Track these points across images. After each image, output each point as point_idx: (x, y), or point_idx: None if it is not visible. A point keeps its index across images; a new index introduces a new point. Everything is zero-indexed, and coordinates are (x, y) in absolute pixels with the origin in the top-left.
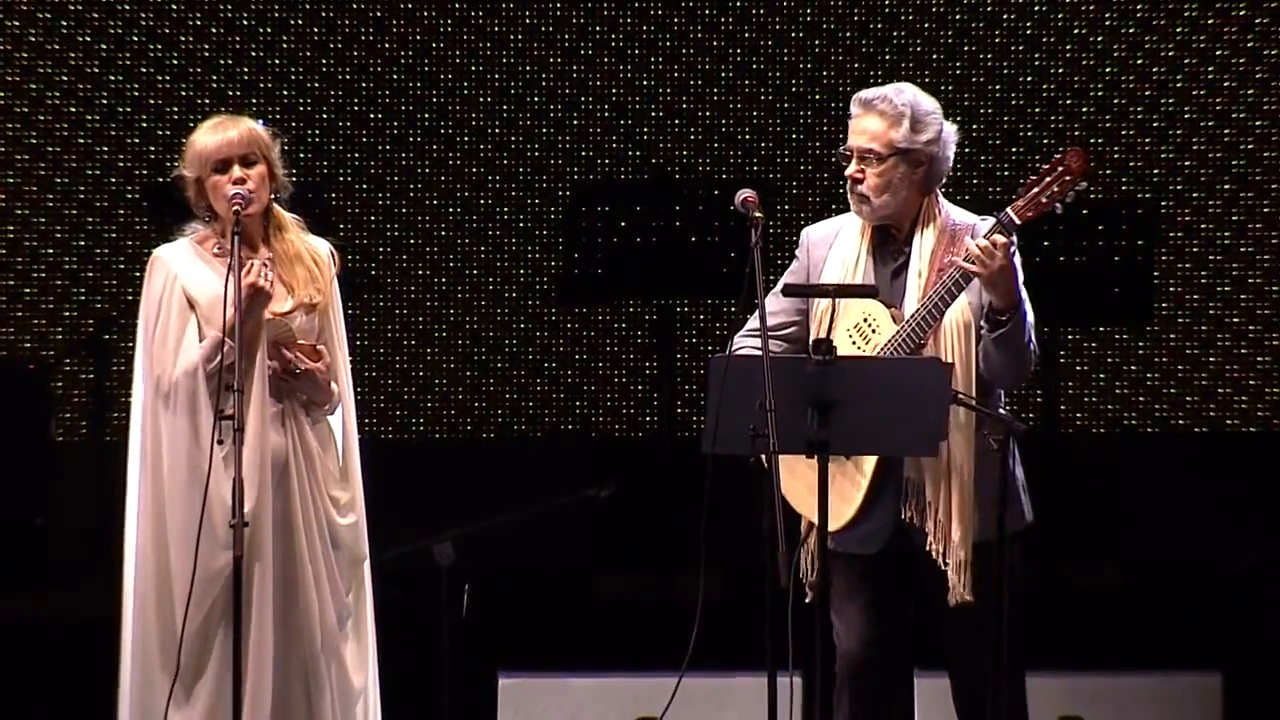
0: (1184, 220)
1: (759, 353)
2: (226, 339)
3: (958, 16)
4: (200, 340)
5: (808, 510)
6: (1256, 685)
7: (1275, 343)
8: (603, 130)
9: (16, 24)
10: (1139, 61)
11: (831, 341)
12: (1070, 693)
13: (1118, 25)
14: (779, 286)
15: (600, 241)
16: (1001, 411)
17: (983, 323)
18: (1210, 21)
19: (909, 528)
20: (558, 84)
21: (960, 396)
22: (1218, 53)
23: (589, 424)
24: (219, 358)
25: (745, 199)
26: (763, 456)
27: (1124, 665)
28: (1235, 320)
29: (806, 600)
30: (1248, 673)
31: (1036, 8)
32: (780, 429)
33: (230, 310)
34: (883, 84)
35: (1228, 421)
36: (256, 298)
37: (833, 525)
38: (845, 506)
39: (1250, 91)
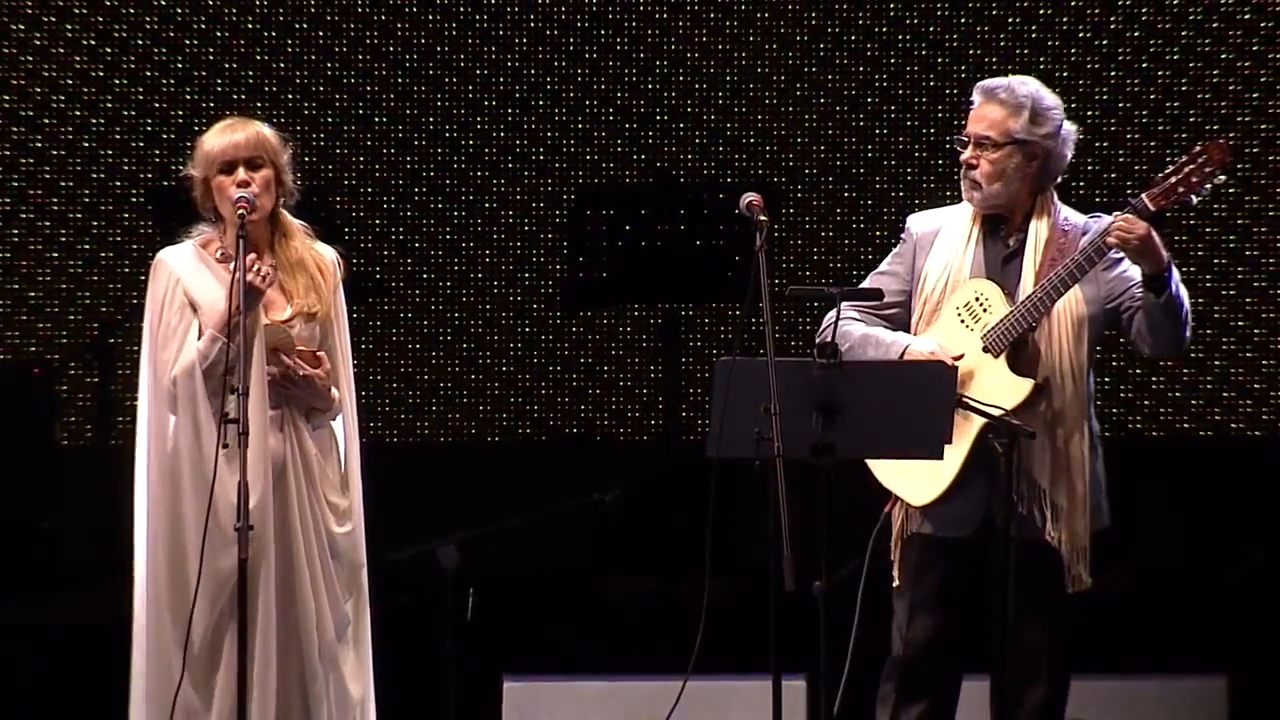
0: (1188, 224)
1: (862, 325)
2: (220, 336)
3: (962, 21)
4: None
5: (901, 488)
6: (1262, 689)
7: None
8: (607, 134)
9: (21, 28)
10: (1143, 65)
11: (836, 345)
12: (1075, 696)
13: (1122, 29)
14: (880, 267)
15: (605, 245)
16: (1009, 418)
17: (1137, 297)
18: (1215, 26)
19: (1019, 513)
20: (562, 88)
21: (965, 400)
22: (1222, 56)
23: (594, 428)
24: (213, 354)
25: (750, 202)
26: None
27: (1129, 669)
28: (1240, 324)
29: (895, 586)
30: (1253, 676)
31: (1041, 12)
32: (785, 433)
33: (233, 311)
34: (888, 88)
35: (1232, 425)
36: (250, 294)
37: (922, 500)
38: (936, 481)
39: (1255, 95)
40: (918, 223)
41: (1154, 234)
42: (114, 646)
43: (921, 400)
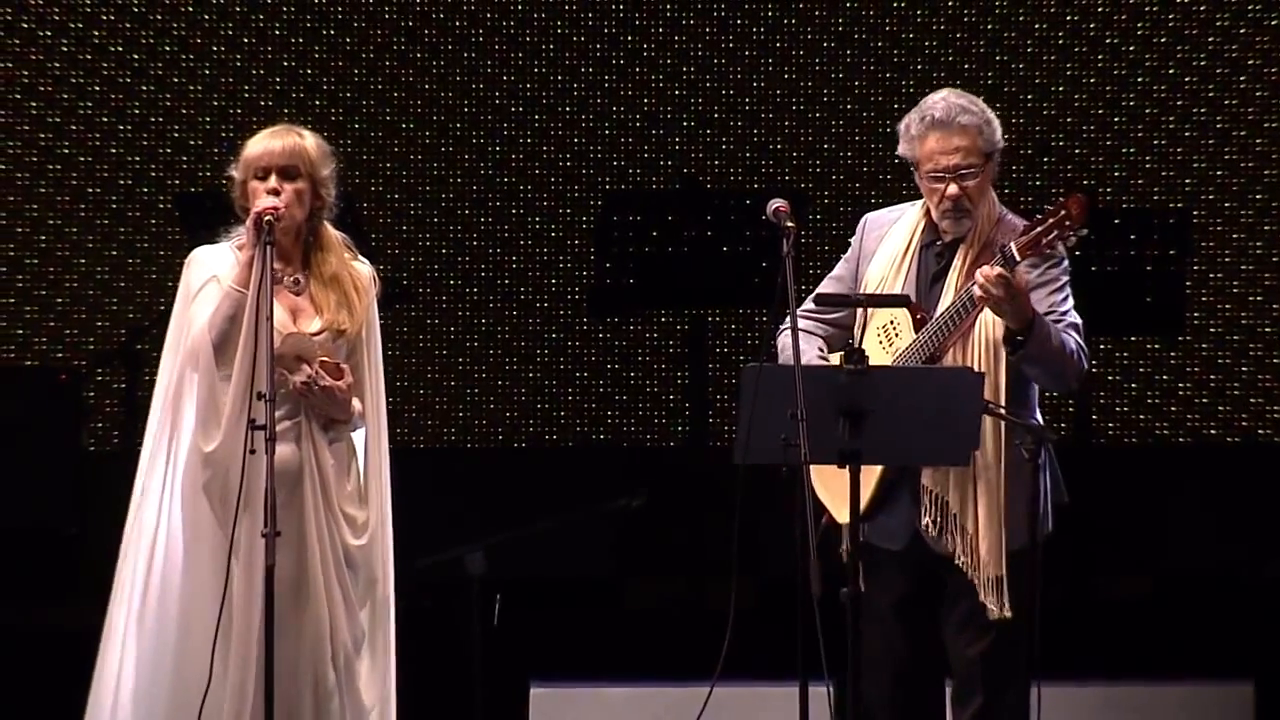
0: (1216, 229)
1: (809, 331)
2: (236, 289)
3: (989, 26)
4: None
5: (828, 502)
6: None
7: None
8: (634, 140)
9: (49, 34)
10: (1171, 70)
11: (864, 351)
12: (1101, 702)
13: (1149, 34)
14: (835, 270)
15: (632, 251)
16: (1033, 421)
17: (1005, 346)
18: (1242, 31)
19: (931, 535)
20: (590, 93)
21: (991, 406)
22: (1249, 62)
23: (620, 434)
24: (232, 311)
25: (777, 208)
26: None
27: (1155, 674)
28: (1267, 330)
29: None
30: None
31: (1069, 17)
32: (812, 439)
33: (256, 316)
34: (915, 94)
35: (1260, 431)
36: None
37: (843, 517)
38: (862, 493)
39: None
40: (866, 228)
41: (1020, 291)
42: None
43: (948, 406)
